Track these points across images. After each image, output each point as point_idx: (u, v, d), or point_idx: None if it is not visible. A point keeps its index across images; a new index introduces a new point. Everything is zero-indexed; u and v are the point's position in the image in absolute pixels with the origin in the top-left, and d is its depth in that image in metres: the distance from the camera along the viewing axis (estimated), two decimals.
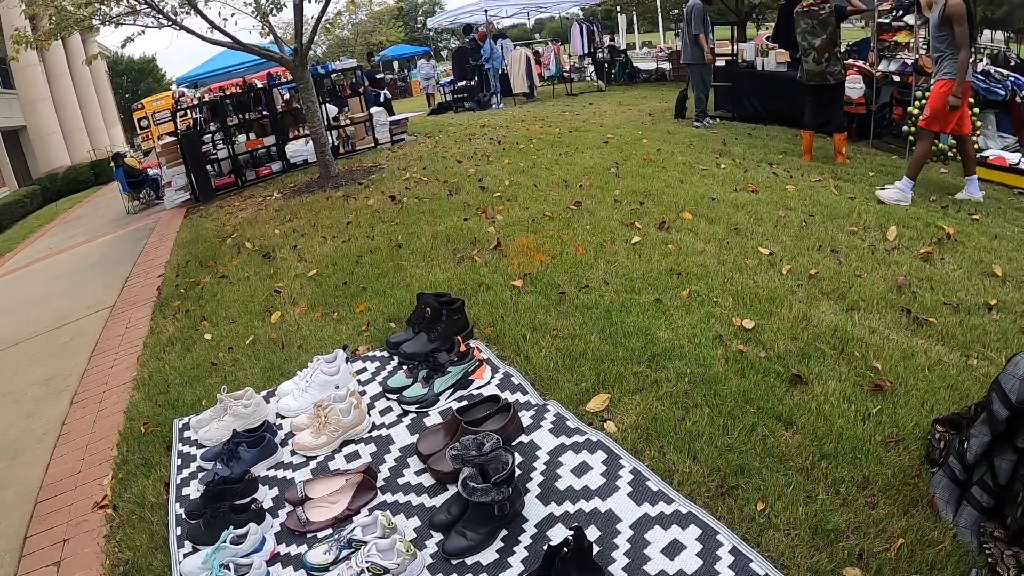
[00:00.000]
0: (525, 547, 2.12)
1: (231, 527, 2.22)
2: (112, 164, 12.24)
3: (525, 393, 2.95)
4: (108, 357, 4.55)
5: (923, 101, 6.31)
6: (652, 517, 2.14)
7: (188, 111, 10.18)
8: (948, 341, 3.20)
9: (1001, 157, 6.87)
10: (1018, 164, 6.65)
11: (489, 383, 3.07)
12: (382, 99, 13.62)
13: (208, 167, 9.50)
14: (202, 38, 7.93)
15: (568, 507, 2.23)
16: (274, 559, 2.21)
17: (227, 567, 2.06)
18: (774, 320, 3.44)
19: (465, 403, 2.83)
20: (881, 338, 3.22)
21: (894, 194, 5.56)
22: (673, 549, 2.03)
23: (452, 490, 2.37)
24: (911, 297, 3.66)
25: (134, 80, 37.94)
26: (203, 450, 2.94)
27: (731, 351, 3.15)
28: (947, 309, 3.51)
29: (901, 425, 2.56)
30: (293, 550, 2.25)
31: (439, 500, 2.36)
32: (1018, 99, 8.88)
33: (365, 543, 2.05)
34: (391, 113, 12.37)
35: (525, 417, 2.73)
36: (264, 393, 3.32)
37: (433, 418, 2.88)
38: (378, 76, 16.89)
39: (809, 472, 2.35)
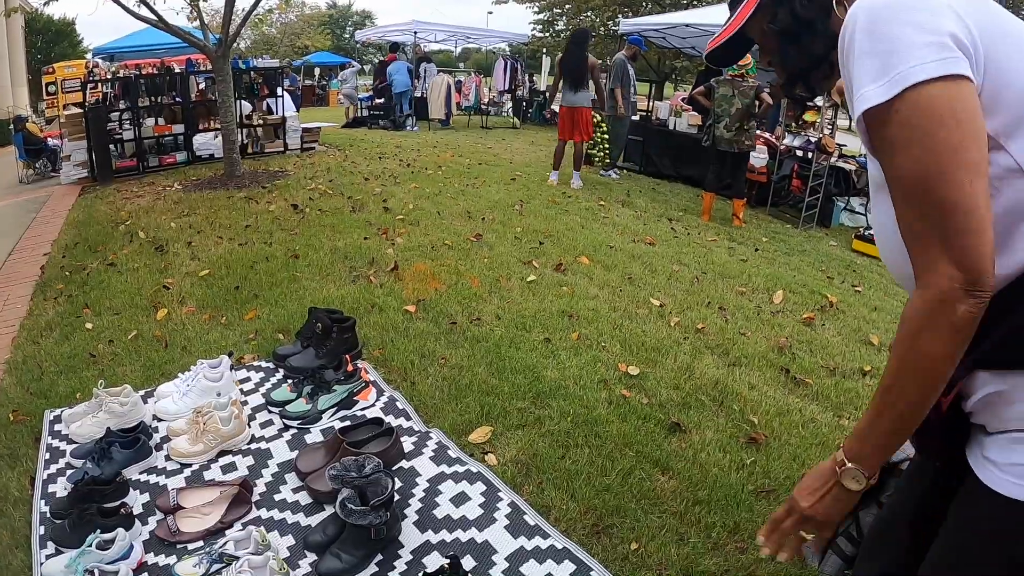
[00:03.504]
0: (400, 572, 2.14)
1: (98, 531, 2.14)
2: (12, 127, 11.48)
3: (409, 419, 3.00)
4: None
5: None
6: (528, 551, 2.22)
7: (100, 84, 9.73)
8: (822, 401, 3.45)
9: None
10: None
11: (373, 405, 3.09)
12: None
13: (111, 147, 9.07)
14: (127, 10, 7.65)
15: (445, 535, 2.28)
16: (141, 568, 2.14)
17: (91, 573, 1.99)
18: (659, 369, 3.61)
19: (348, 423, 2.83)
20: (759, 394, 3.43)
21: (568, 181, 8.61)
22: None
23: (329, 510, 2.37)
24: (791, 358, 3.91)
25: (49, 42, 35.47)
26: (74, 446, 2.81)
27: (615, 395, 3.29)
28: (824, 372, 3.79)
29: (773, 477, 2.75)
30: (161, 560, 2.19)
31: (315, 519, 2.37)
32: None
33: (237, 558, 2.04)
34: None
35: (407, 443, 2.77)
36: (142, 392, 3.20)
37: (314, 435, 2.88)
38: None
39: (683, 516, 2.48)
